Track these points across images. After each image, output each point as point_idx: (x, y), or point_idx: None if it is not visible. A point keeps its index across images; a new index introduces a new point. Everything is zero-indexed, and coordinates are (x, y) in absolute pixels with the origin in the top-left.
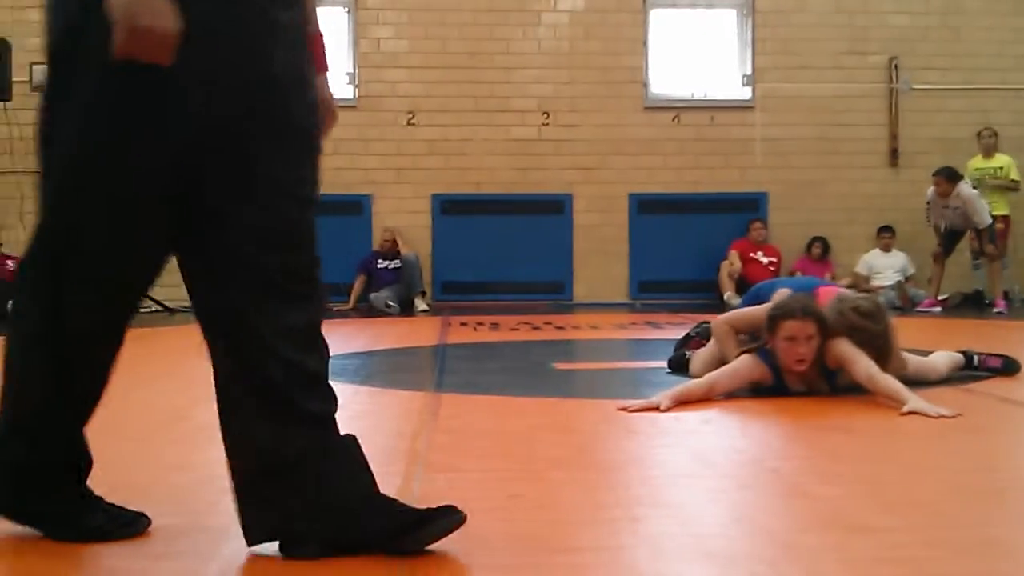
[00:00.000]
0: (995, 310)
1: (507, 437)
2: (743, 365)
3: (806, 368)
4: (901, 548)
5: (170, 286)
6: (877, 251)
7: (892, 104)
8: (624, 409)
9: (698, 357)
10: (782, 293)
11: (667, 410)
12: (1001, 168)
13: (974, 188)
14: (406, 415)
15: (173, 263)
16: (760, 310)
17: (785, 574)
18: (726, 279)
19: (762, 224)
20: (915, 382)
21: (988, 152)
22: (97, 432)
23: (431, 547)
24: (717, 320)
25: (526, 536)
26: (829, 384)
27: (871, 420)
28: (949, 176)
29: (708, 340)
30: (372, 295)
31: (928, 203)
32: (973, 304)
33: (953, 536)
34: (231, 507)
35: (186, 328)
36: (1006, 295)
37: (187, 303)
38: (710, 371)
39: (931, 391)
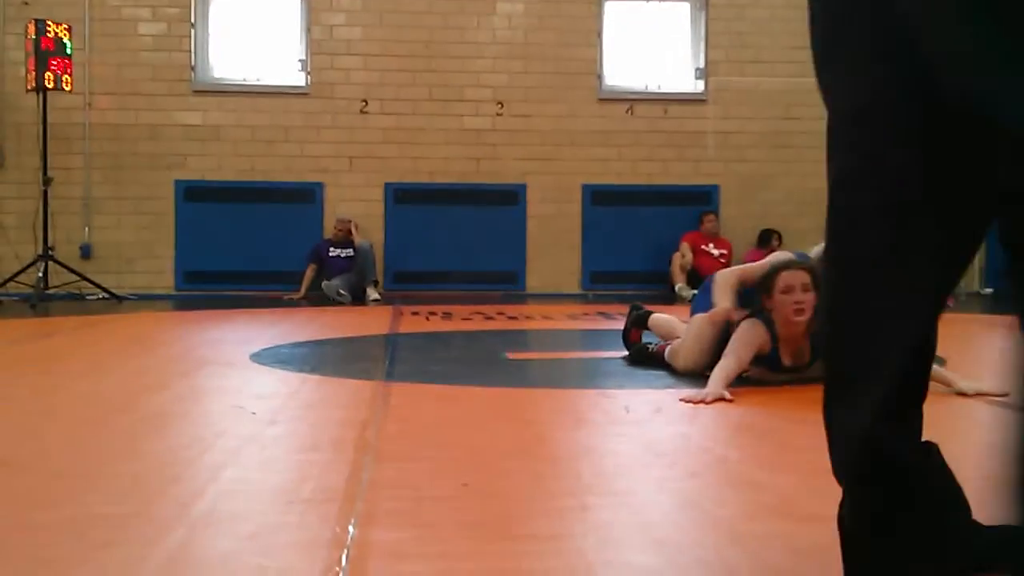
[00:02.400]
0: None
1: (458, 426)
2: (751, 330)
3: (805, 320)
4: None
5: (117, 273)
6: None
7: None
8: (688, 401)
9: (682, 352)
10: (762, 263)
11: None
12: None
13: None
14: (356, 404)
15: (107, 249)
16: (764, 264)
17: (731, 561)
18: (677, 271)
19: (715, 216)
20: None
21: None
22: (42, 420)
23: (383, 537)
24: (725, 271)
25: (476, 524)
26: (812, 356)
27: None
28: None
29: (645, 329)
30: (324, 283)
31: None
32: None
33: None
34: (177, 496)
35: (133, 316)
36: None
37: (136, 290)
38: (698, 360)
39: None
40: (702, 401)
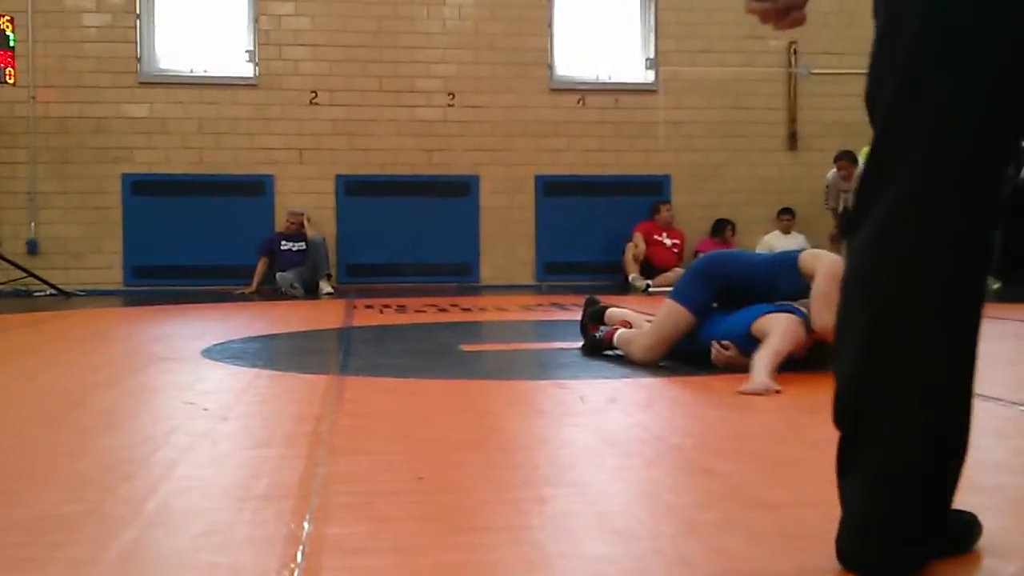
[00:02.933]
0: None
1: (413, 419)
2: (794, 327)
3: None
4: (802, 523)
5: (64, 268)
6: (777, 232)
7: (791, 88)
8: (745, 392)
9: (642, 340)
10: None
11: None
12: None
13: None
14: (309, 399)
15: (54, 244)
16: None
17: (686, 549)
18: (631, 261)
19: (668, 206)
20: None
21: None
22: None
23: (338, 532)
24: (829, 270)
25: (432, 517)
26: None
27: (770, 400)
28: (853, 159)
29: (602, 323)
30: (278, 274)
31: (827, 186)
32: None
33: None
34: (129, 494)
35: (81, 313)
36: None
37: (84, 286)
38: (660, 350)
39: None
40: (761, 394)
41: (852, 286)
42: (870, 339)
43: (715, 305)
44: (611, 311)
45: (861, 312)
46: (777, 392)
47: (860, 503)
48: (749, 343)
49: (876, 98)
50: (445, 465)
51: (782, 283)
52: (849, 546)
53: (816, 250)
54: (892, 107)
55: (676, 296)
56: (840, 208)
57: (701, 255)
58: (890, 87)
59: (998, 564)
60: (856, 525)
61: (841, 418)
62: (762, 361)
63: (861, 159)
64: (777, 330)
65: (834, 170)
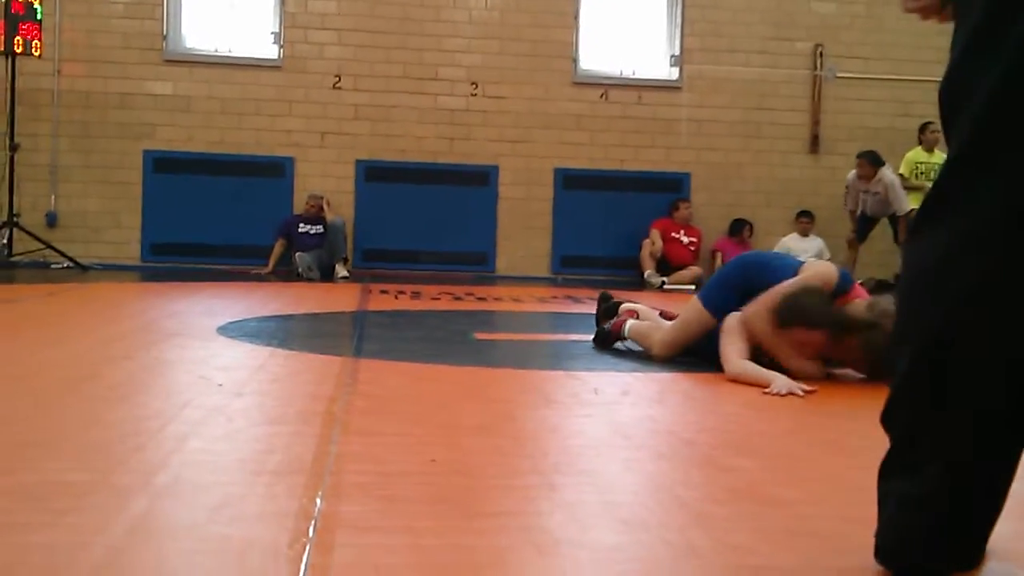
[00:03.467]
0: None
1: (426, 403)
2: (739, 332)
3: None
4: (813, 520)
5: (83, 242)
6: (795, 235)
7: (815, 91)
8: (769, 393)
9: (662, 335)
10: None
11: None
12: (937, 165)
13: (914, 180)
14: (323, 379)
15: (73, 217)
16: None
17: (696, 541)
18: (647, 257)
19: (689, 204)
20: None
21: (931, 147)
22: (5, 387)
23: (349, 510)
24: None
25: (443, 500)
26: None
27: (786, 398)
28: (873, 160)
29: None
30: (297, 255)
31: (847, 187)
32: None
33: (863, 511)
34: (141, 465)
35: (98, 286)
36: None
37: (101, 260)
38: (678, 347)
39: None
40: (782, 394)
41: (907, 298)
42: (919, 360)
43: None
44: (624, 306)
45: (913, 328)
46: (810, 391)
47: (897, 513)
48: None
49: (958, 99)
50: (457, 449)
51: None
52: (887, 543)
53: (812, 263)
54: (984, 114)
55: (704, 300)
56: (858, 211)
57: (735, 258)
58: (982, 95)
59: (1009, 569)
60: (892, 531)
61: (889, 426)
62: (745, 376)
63: (905, 166)
64: (720, 348)
65: (855, 171)
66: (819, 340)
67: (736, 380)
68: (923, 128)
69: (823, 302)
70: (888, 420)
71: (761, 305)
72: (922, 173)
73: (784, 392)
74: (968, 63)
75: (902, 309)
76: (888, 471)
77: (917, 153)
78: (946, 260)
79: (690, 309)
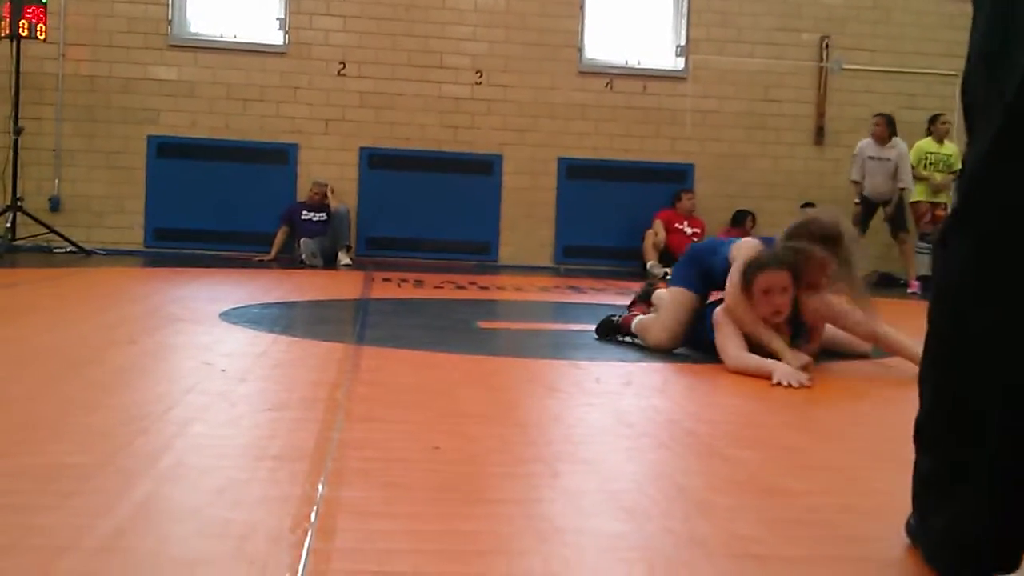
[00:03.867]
0: (909, 291)
1: (429, 391)
2: (732, 328)
3: (782, 320)
4: (815, 511)
5: (86, 227)
6: None
7: (821, 83)
8: (779, 384)
9: (656, 326)
10: (747, 244)
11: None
12: (950, 156)
13: (923, 170)
14: (326, 365)
15: (76, 202)
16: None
17: (699, 530)
18: (650, 248)
19: (692, 195)
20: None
21: (941, 138)
22: (8, 370)
23: (352, 495)
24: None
25: (446, 487)
26: (795, 344)
27: (788, 389)
28: (890, 121)
29: (649, 303)
30: (301, 240)
31: (854, 157)
32: (888, 284)
33: (866, 501)
34: (144, 448)
35: (101, 271)
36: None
37: (104, 245)
38: (673, 336)
39: (850, 364)
40: (791, 384)
41: (940, 310)
42: (948, 384)
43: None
44: (658, 293)
45: (943, 348)
46: (806, 386)
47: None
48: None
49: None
50: (460, 437)
51: None
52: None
53: (745, 240)
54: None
55: (675, 282)
56: (863, 185)
57: (689, 246)
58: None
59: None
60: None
61: (925, 445)
62: (746, 368)
63: (914, 156)
64: (717, 342)
65: (867, 140)
66: (784, 279)
67: (738, 372)
68: (933, 119)
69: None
70: (924, 443)
71: (729, 288)
72: (931, 164)
73: (788, 382)
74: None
75: (932, 319)
76: (931, 478)
77: (928, 143)
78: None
79: (668, 296)
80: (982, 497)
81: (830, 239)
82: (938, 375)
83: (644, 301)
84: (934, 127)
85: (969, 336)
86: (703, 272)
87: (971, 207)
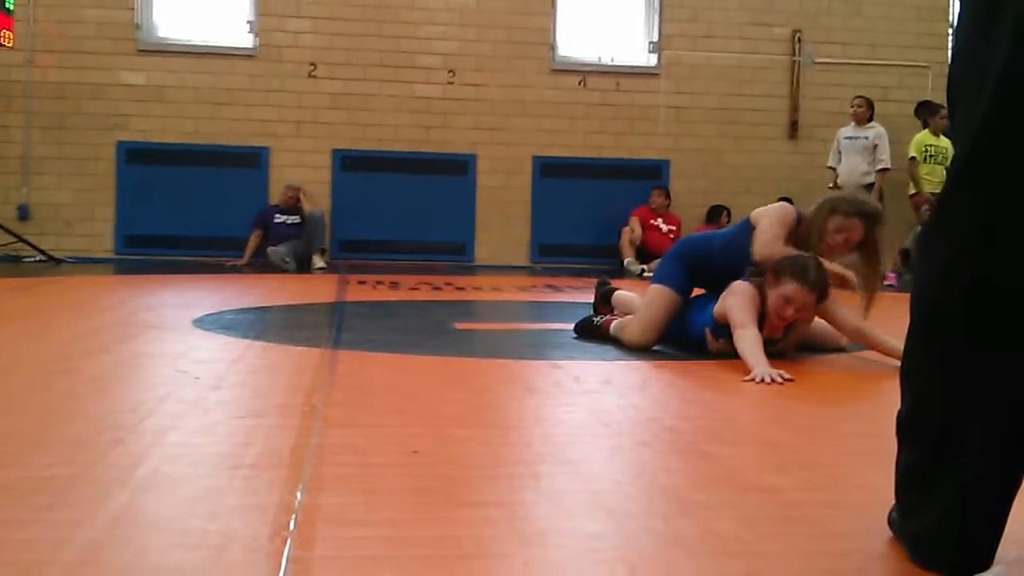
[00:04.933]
0: (884, 282)
1: (407, 394)
2: (749, 293)
3: (781, 326)
4: (795, 507)
5: (55, 235)
6: None
7: (794, 76)
8: (749, 380)
9: (633, 325)
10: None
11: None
12: (945, 148)
13: (924, 163)
14: (302, 370)
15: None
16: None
17: (680, 529)
18: (627, 245)
19: (662, 191)
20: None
21: (937, 131)
22: None
23: (330, 502)
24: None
25: (427, 491)
26: (784, 333)
27: (766, 385)
28: (871, 105)
29: (609, 305)
30: (270, 249)
31: (836, 140)
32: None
33: (848, 497)
34: (120, 459)
35: (72, 279)
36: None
37: (74, 253)
38: (650, 335)
39: (828, 357)
40: (764, 381)
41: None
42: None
43: (705, 291)
44: (617, 295)
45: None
46: (788, 380)
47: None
48: (721, 328)
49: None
50: (439, 440)
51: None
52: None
53: (765, 207)
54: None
55: (659, 279)
56: (837, 166)
57: (680, 239)
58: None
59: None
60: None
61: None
62: (744, 347)
63: (914, 148)
64: (732, 309)
65: (845, 126)
66: (809, 301)
67: (737, 344)
68: (932, 112)
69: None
70: (906, 438)
71: (766, 237)
72: (931, 156)
73: (761, 380)
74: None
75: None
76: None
77: (926, 135)
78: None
79: (649, 294)
80: (961, 492)
81: (870, 216)
82: (919, 370)
83: (604, 303)
84: (932, 120)
85: (949, 331)
86: (694, 265)
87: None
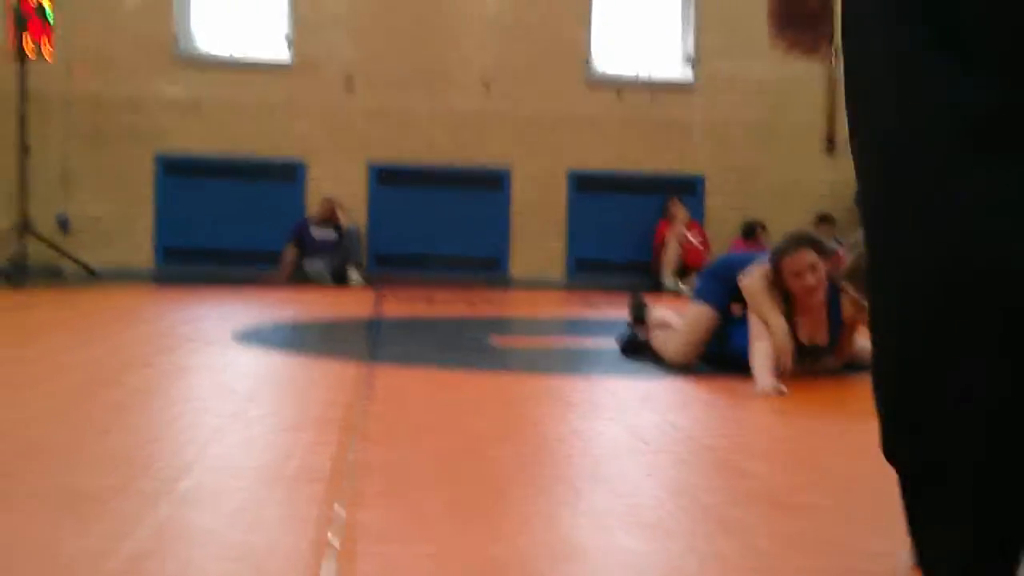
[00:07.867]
0: None
1: (445, 410)
2: (760, 289)
3: (822, 296)
4: (836, 526)
5: (94, 247)
6: None
7: (832, 92)
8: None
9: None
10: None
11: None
12: None
13: None
14: (340, 385)
15: (85, 222)
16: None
17: (722, 548)
18: (669, 263)
19: (675, 202)
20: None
21: None
22: (23, 392)
23: (371, 517)
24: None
25: (466, 507)
26: (831, 337)
27: (805, 403)
28: None
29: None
30: (306, 261)
31: None
32: None
33: (884, 516)
34: (161, 471)
35: (110, 291)
36: None
37: (113, 266)
38: (689, 352)
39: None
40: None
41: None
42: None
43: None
44: (653, 311)
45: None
46: (782, 393)
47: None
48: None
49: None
50: (478, 456)
51: None
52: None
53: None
54: None
55: (699, 296)
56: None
57: (718, 257)
58: None
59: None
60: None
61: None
62: (753, 362)
63: None
64: (750, 324)
65: None
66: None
67: (752, 347)
68: None
69: None
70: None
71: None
72: None
73: (770, 392)
74: None
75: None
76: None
77: None
78: None
79: (690, 311)
80: (968, 514)
81: (810, 240)
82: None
83: (639, 322)
84: None
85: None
86: (735, 286)
87: None
